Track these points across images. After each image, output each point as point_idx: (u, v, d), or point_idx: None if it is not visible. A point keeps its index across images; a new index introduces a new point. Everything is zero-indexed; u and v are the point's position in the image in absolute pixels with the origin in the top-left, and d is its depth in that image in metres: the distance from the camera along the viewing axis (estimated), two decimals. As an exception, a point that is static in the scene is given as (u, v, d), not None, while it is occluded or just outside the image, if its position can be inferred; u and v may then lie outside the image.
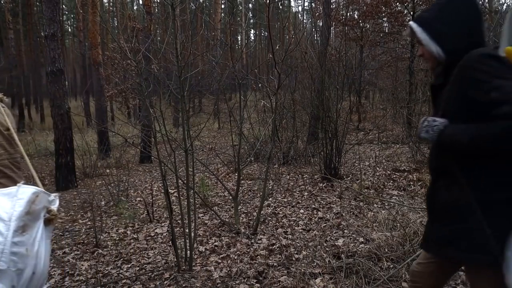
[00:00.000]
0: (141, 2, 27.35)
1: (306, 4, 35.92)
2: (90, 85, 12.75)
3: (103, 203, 5.41)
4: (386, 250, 2.98)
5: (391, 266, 2.78)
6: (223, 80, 6.56)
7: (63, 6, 29.36)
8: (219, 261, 3.20)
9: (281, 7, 34.28)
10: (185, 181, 3.20)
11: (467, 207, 1.29)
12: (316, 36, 9.49)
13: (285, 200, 4.89)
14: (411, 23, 1.44)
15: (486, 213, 1.26)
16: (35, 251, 1.21)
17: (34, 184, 1.39)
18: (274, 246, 3.40)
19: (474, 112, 1.25)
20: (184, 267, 3.07)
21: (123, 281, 2.98)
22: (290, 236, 3.65)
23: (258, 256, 3.21)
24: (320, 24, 10.65)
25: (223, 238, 3.70)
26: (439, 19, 1.38)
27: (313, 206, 4.53)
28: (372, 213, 4.05)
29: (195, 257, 3.27)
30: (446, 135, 1.32)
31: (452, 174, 1.35)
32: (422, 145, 6.66)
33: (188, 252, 3.06)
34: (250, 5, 37.39)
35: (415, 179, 5.23)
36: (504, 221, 1.24)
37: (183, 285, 2.82)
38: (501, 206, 1.25)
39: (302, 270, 2.80)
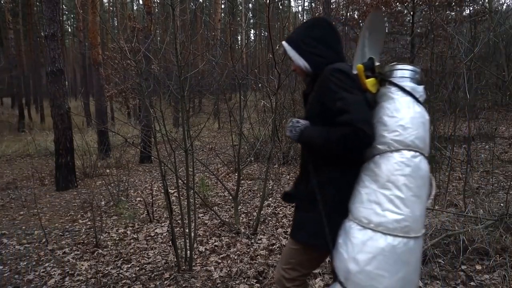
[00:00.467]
0: (141, 2, 27.36)
1: (306, 4, 35.93)
2: (90, 85, 12.73)
3: (103, 203, 5.41)
4: (386, 250, 2.97)
5: (391, 266, 2.77)
6: (223, 80, 6.56)
7: (63, 6, 29.35)
8: (219, 261, 3.20)
9: (281, 7, 34.28)
10: (185, 181, 3.20)
11: (313, 200, 1.51)
12: (316, 36, 9.45)
13: (285, 200, 4.88)
14: (283, 42, 1.65)
15: (325, 206, 1.48)
16: None
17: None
18: (274, 246, 3.40)
19: (328, 117, 1.44)
20: (184, 267, 3.07)
21: (123, 281, 2.98)
22: (290, 236, 3.64)
23: (258, 256, 3.21)
24: (320, 24, 10.64)
25: (223, 238, 3.70)
26: (304, 38, 1.60)
27: (313, 206, 4.53)
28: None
29: (195, 257, 3.27)
30: (305, 135, 1.52)
31: (308, 170, 1.57)
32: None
33: (188, 252, 3.06)
34: (250, 5, 37.39)
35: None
36: (337, 214, 1.46)
37: (183, 285, 2.82)
38: (336, 201, 1.48)
39: (302, 270, 2.80)
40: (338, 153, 1.44)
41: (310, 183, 1.54)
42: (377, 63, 1.53)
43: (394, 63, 1.51)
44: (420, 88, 1.47)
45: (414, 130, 1.38)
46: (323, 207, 1.48)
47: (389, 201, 1.35)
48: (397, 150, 1.38)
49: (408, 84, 1.45)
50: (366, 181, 1.42)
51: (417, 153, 1.38)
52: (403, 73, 1.47)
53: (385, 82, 1.48)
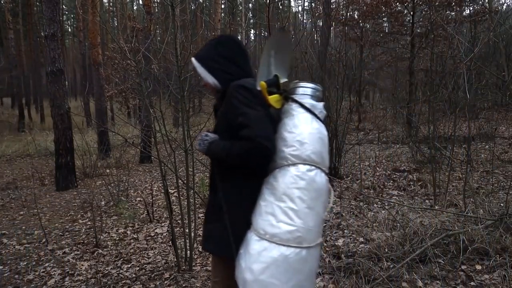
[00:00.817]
0: (141, 2, 27.34)
1: (306, 4, 35.93)
2: (90, 85, 12.74)
3: (103, 203, 5.41)
4: (386, 250, 2.98)
5: (391, 266, 2.78)
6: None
7: (63, 6, 29.36)
8: (219, 261, 3.20)
9: (281, 7, 34.27)
10: (185, 181, 3.20)
11: (220, 210, 1.54)
12: (316, 36, 9.49)
13: (285, 200, 4.88)
14: (192, 59, 1.70)
15: (230, 217, 1.52)
16: None
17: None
18: (274, 246, 3.40)
19: (233, 132, 1.48)
20: (184, 267, 3.07)
21: (123, 281, 2.98)
22: (290, 236, 3.64)
23: (258, 256, 3.21)
24: (320, 24, 10.65)
25: (223, 238, 3.70)
26: (211, 56, 1.65)
27: (313, 206, 4.53)
28: (372, 213, 4.05)
29: (195, 257, 3.27)
30: (211, 149, 1.57)
31: (215, 182, 1.61)
32: (422, 145, 6.66)
33: (188, 252, 3.06)
34: (250, 5, 37.38)
35: (415, 179, 5.23)
36: (242, 225, 1.49)
37: (183, 285, 2.82)
38: (240, 212, 1.51)
39: (302, 270, 2.79)
40: (241, 166, 1.49)
41: (217, 195, 1.58)
42: (284, 80, 1.59)
43: (297, 80, 1.57)
44: (320, 105, 1.54)
45: (311, 145, 1.44)
46: (228, 218, 1.52)
47: (283, 213, 1.39)
48: (294, 164, 1.43)
49: (308, 101, 1.51)
50: (265, 194, 1.46)
51: (313, 167, 1.44)
52: (305, 90, 1.53)
53: (288, 98, 1.54)
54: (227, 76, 1.61)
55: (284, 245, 1.38)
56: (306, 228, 1.40)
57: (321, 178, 1.46)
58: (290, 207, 1.39)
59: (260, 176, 1.51)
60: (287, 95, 1.54)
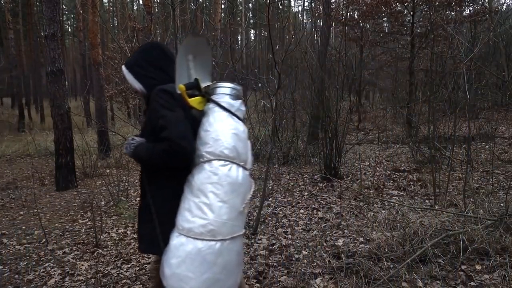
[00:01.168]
0: (141, 2, 27.33)
1: (306, 4, 35.91)
2: (90, 85, 12.75)
3: (103, 203, 5.41)
4: (386, 250, 2.98)
5: (391, 266, 2.78)
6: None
7: (63, 6, 29.35)
8: (219, 261, 3.20)
9: (281, 7, 34.26)
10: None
11: (149, 212, 1.61)
12: (316, 36, 9.49)
13: (285, 200, 4.89)
14: (122, 66, 1.78)
15: (158, 216, 1.58)
16: None
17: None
18: (274, 246, 3.41)
19: (156, 134, 1.53)
20: (184, 267, 3.07)
21: (123, 281, 2.98)
22: (290, 236, 3.65)
23: (258, 256, 3.21)
24: (320, 24, 10.64)
25: (223, 238, 3.70)
26: (137, 62, 1.73)
27: (313, 206, 4.53)
28: (372, 213, 4.05)
29: (195, 257, 3.26)
30: (137, 151, 1.61)
31: (144, 184, 1.68)
32: (422, 145, 6.66)
33: (188, 252, 3.06)
34: (250, 5, 37.37)
35: (415, 179, 5.23)
36: (169, 223, 1.54)
37: (183, 285, 2.82)
38: (167, 211, 1.56)
39: (302, 270, 2.80)
40: (162, 166, 1.55)
41: (146, 197, 1.64)
42: (207, 83, 1.67)
43: (215, 82, 1.66)
44: (238, 103, 1.62)
45: (225, 141, 1.50)
46: (156, 217, 1.58)
47: (198, 208, 1.46)
48: (208, 161, 1.50)
49: (226, 100, 1.59)
50: (185, 192, 1.53)
51: (227, 162, 1.50)
52: (223, 90, 1.62)
53: (209, 100, 1.62)
54: (151, 81, 1.69)
55: (198, 239, 1.44)
56: (219, 222, 1.45)
57: (236, 172, 1.52)
58: (203, 201, 1.46)
59: (183, 176, 1.56)
60: (208, 97, 1.62)
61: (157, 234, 1.56)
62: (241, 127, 1.59)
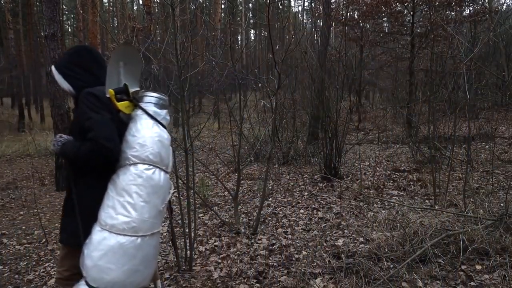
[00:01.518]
0: (141, 2, 27.33)
1: (306, 4, 35.90)
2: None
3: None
4: (386, 250, 2.98)
5: (391, 266, 2.78)
6: (223, 80, 6.56)
7: (63, 6, 29.34)
8: (219, 261, 3.20)
9: (281, 7, 34.26)
10: (185, 181, 3.20)
11: (72, 205, 1.72)
12: (316, 36, 9.49)
13: (285, 200, 4.89)
14: (52, 67, 1.86)
15: (81, 210, 1.69)
16: None
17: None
18: (274, 246, 3.40)
19: (84, 134, 1.63)
20: (184, 267, 3.07)
21: (123, 281, 2.98)
22: (290, 236, 3.65)
23: (258, 256, 3.21)
24: (320, 24, 10.64)
25: (223, 238, 3.70)
26: (66, 64, 1.82)
27: (313, 206, 4.53)
28: (372, 213, 4.05)
29: (195, 257, 3.27)
30: (64, 149, 1.71)
31: (69, 179, 1.78)
32: (422, 145, 6.66)
33: (188, 252, 3.06)
34: (250, 5, 37.37)
35: (415, 179, 5.23)
36: (91, 218, 1.65)
37: (183, 285, 2.82)
38: (90, 206, 1.67)
39: (302, 270, 2.80)
40: (87, 165, 1.67)
41: (71, 192, 1.74)
42: (136, 89, 1.81)
43: (143, 90, 1.80)
44: (163, 112, 1.78)
45: (150, 147, 1.66)
46: (79, 211, 1.69)
47: (122, 206, 1.59)
48: (134, 164, 1.64)
49: (152, 109, 1.74)
50: (109, 190, 1.65)
51: (151, 167, 1.66)
52: (150, 99, 1.77)
53: (136, 105, 1.75)
54: (79, 82, 1.78)
55: (120, 234, 1.57)
56: (141, 219, 1.60)
57: (159, 176, 1.68)
58: (127, 201, 1.59)
59: (107, 174, 1.67)
60: (136, 102, 1.75)
61: (78, 228, 1.67)
62: (165, 135, 1.74)
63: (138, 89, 1.83)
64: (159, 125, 1.73)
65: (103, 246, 1.56)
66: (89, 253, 1.59)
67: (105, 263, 1.56)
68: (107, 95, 1.69)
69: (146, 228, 1.62)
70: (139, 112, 1.73)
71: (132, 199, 1.60)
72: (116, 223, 1.57)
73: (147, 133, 1.68)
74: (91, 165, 1.66)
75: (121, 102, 1.72)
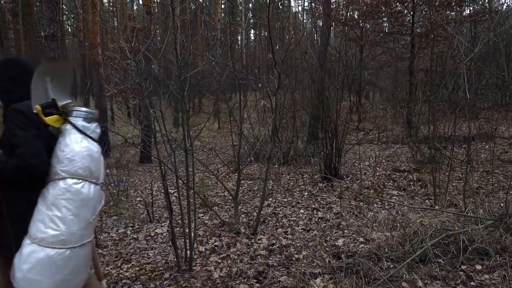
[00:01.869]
0: (141, 2, 27.32)
1: (306, 4, 35.90)
2: (90, 85, 12.74)
3: (103, 203, 5.41)
4: (386, 250, 2.98)
5: (391, 266, 2.78)
6: (223, 80, 6.56)
7: (63, 6, 29.34)
8: (219, 261, 3.20)
9: (281, 7, 34.26)
10: (185, 181, 3.20)
11: (4, 218, 1.72)
12: (316, 36, 9.49)
13: (285, 200, 4.89)
14: None
15: (12, 223, 1.71)
16: None
17: None
18: (274, 246, 3.40)
19: (12, 149, 1.66)
20: (184, 267, 3.07)
21: (123, 281, 2.98)
22: (290, 236, 3.64)
23: (258, 256, 3.21)
24: (320, 24, 10.65)
25: (223, 238, 3.70)
26: None
27: (313, 206, 4.53)
28: (372, 213, 4.05)
29: (195, 257, 3.27)
30: None
31: (1, 191, 1.77)
32: (422, 145, 6.66)
33: (188, 252, 3.06)
34: (250, 5, 37.36)
35: (415, 179, 5.23)
36: (21, 230, 1.66)
37: (183, 285, 2.82)
38: (21, 219, 1.69)
39: (302, 270, 2.80)
40: (14, 179, 1.69)
41: (2, 202, 1.75)
42: (67, 101, 1.83)
43: (73, 105, 1.82)
44: (93, 126, 1.81)
45: (79, 162, 1.68)
46: (10, 223, 1.71)
47: (51, 221, 1.61)
48: (63, 178, 1.66)
49: (80, 123, 1.77)
50: (39, 204, 1.66)
51: (80, 180, 1.68)
52: (78, 113, 1.79)
53: (65, 120, 1.77)
54: (8, 96, 1.79)
55: (49, 247, 1.59)
56: (70, 232, 1.62)
57: (88, 189, 1.71)
58: (56, 215, 1.62)
59: (37, 188, 1.69)
60: (65, 116, 1.77)
61: (9, 239, 1.69)
62: (95, 148, 1.77)
63: (69, 101, 1.85)
64: (88, 139, 1.76)
65: (32, 258, 1.59)
66: (19, 265, 1.61)
67: (34, 275, 1.58)
68: (34, 111, 1.70)
69: (75, 240, 1.65)
70: (68, 126, 1.75)
71: (61, 213, 1.62)
72: (45, 237, 1.60)
73: (76, 147, 1.71)
74: (18, 180, 1.69)
75: (50, 116, 1.73)
